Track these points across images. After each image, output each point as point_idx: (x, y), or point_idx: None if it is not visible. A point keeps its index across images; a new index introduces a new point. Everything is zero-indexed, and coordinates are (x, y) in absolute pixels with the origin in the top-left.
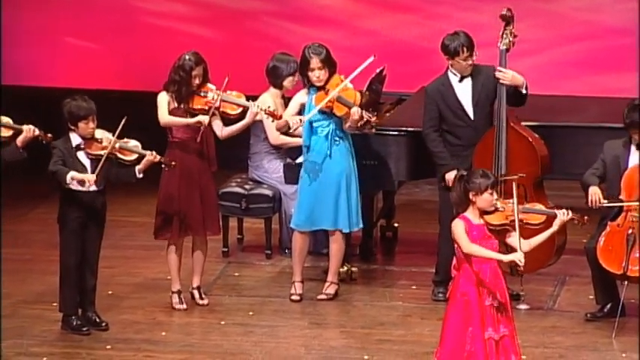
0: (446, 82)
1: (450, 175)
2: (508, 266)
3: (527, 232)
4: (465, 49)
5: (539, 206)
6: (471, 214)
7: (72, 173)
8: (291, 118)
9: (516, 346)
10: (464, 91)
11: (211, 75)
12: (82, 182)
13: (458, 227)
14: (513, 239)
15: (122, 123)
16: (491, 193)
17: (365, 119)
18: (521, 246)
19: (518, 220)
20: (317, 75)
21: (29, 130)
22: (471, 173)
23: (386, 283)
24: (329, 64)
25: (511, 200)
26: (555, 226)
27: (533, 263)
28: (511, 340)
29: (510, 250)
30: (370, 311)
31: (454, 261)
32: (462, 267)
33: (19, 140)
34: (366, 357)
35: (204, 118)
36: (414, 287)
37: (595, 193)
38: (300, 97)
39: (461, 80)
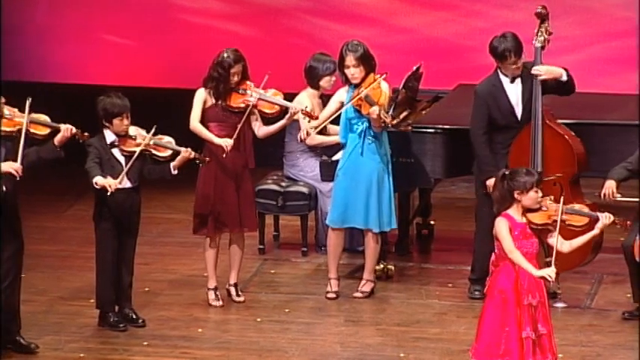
0: (497, 82)
1: (492, 182)
2: (545, 264)
3: (568, 233)
4: (511, 55)
5: (583, 208)
6: (514, 212)
7: (97, 178)
8: (302, 130)
9: (553, 346)
10: (515, 92)
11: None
12: (103, 188)
13: (502, 226)
14: (554, 240)
15: (155, 127)
16: (537, 191)
17: (382, 119)
18: (562, 247)
19: (560, 221)
20: (352, 72)
21: (67, 130)
22: (514, 172)
23: (422, 281)
24: (365, 62)
25: (549, 198)
26: (597, 230)
27: (570, 261)
28: (549, 339)
29: (549, 249)
30: (406, 309)
31: (493, 257)
32: (501, 264)
33: (57, 139)
34: (401, 355)
35: (228, 144)
36: (450, 285)
37: (609, 187)
38: (340, 94)
39: (512, 81)
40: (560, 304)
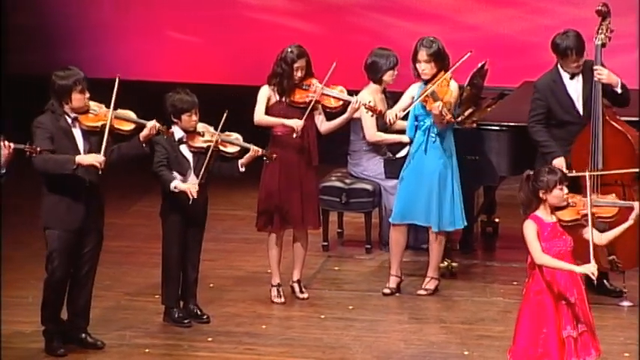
0: (557, 77)
1: (559, 162)
2: (608, 262)
3: (601, 225)
4: (573, 53)
5: (614, 199)
6: (542, 212)
7: (175, 182)
8: (389, 113)
9: (597, 341)
10: (575, 88)
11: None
12: (184, 193)
13: (529, 231)
14: (588, 235)
15: (224, 116)
16: (561, 189)
17: (444, 117)
18: (597, 240)
19: (591, 214)
20: (422, 68)
21: (152, 128)
22: (537, 172)
23: (486, 279)
24: (438, 59)
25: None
26: (631, 220)
27: (635, 259)
28: (590, 335)
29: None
30: (470, 307)
31: (528, 259)
32: (537, 266)
33: (142, 135)
34: (465, 352)
35: (298, 125)
36: (514, 283)
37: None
38: (412, 89)
39: (572, 77)
40: (625, 303)
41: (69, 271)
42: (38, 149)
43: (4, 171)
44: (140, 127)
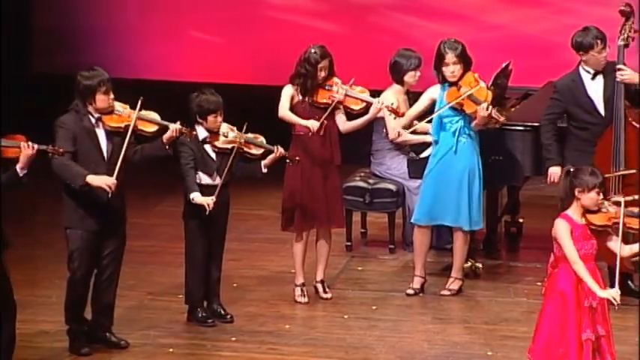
0: (577, 78)
1: (554, 170)
2: (632, 264)
3: (629, 235)
4: (599, 42)
5: None
6: (574, 212)
7: (194, 195)
8: (396, 127)
9: (612, 347)
10: (595, 88)
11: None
12: (201, 206)
13: (562, 231)
14: (614, 244)
15: (246, 125)
16: (598, 193)
17: (494, 119)
18: (622, 251)
19: (622, 224)
20: (451, 70)
21: (176, 130)
22: (579, 170)
23: (510, 279)
24: (464, 60)
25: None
26: None
27: None
28: (607, 340)
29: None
30: (494, 307)
31: (551, 258)
32: (560, 266)
33: (165, 137)
34: (489, 353)
35: (314, 125)
36: (538, 283)
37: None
38: (432, 92)
39: (593, 77)
40: None
41: (91, 271)
42: (61, 150)
43: (25, 171)
44: (163, 129)
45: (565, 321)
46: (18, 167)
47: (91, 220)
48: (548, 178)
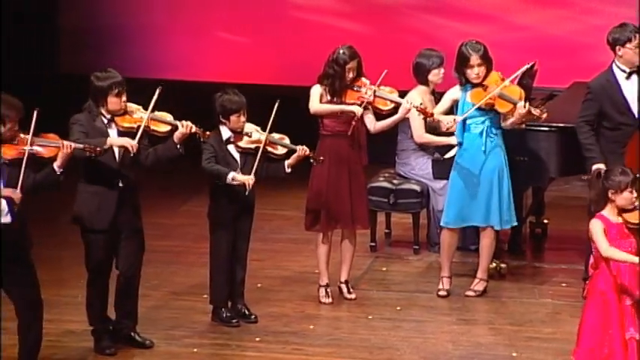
0: (611, 77)
1: (598, 167)
2: None
3: None
4: (637, 36)
5: None
6: (609, 212)
7: (232, 174)
8: (445, 118)
9: None
10: (630, 89)
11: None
12: (242, 185)
13: (596, 228)
14: None
15: (272, 117)
16: (631, 191)
17: (533, 115)
18: None
19: None
20: (476, 72)
21: (187, 127)
22: (609, 171)
23: (535, 280)
24: (487, 60)
25: None
26: None
27: None
28: None
29: None
30: (519, 308)
31: (591, 260)
32: (600, 266)
33: (176, 136)
34: (514, 354)
35: (358, 110)
36: (563, 284)
37: None
38: (453, 93)
39: (628, 77)
40: None
41: (107, 271)
42: (98, 149)
43: (62, 170)
44: (175, 129)
45: (607, 321)
46: (56, 166)
47: (105, 219)
48: (592, 176)
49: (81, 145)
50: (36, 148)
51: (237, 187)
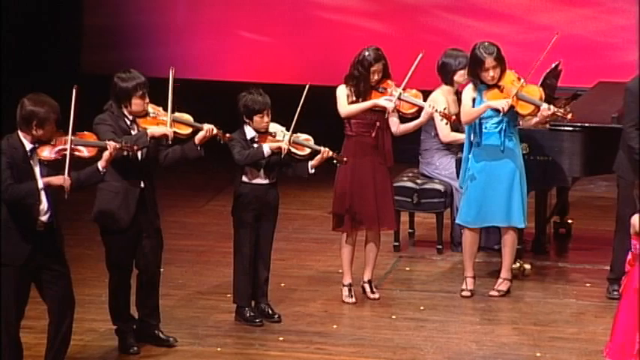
0: None
1: None
2: None
3: None
4: None
5: None
6: None
7: (265, 148)
8: (496, 104)
9: None
10: None
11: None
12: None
13: (637, 221)
14: None
15: (295, 117)
16: None
17: (558, 116)
18: None
19: None
20: (492, 75)
21: (208, 130)
22: None
23: (559, 280)
24: (501, 61)
25: None
26: None
27: None
28: None
29: None
30: (543, 308)
31: (629, 256)
32: (638, 263)
33: (198, 138)
34: (538, 354)
35: (390, 105)
36: (587, 285)
37: None
38: (471, 91)
39: None
40: None
41: (127, 270)
42: (135, 147)
43: (105, 170)
44: (196, 131)
45: None
46: (100, 166)
47: (126, 219)
48: None
49: (120, 144)
50: (80, 148)
51: (259, 186)
